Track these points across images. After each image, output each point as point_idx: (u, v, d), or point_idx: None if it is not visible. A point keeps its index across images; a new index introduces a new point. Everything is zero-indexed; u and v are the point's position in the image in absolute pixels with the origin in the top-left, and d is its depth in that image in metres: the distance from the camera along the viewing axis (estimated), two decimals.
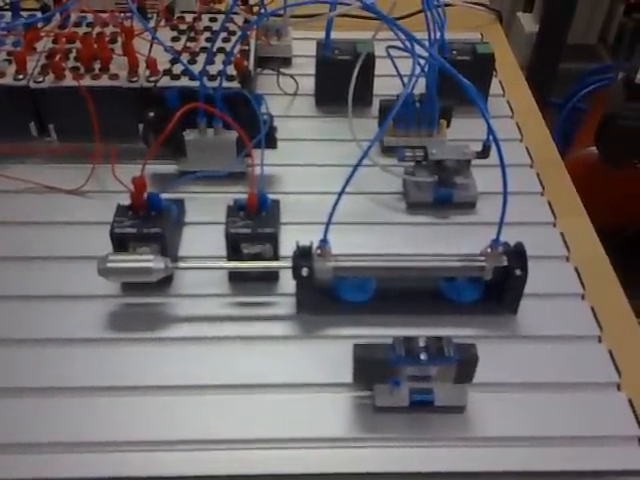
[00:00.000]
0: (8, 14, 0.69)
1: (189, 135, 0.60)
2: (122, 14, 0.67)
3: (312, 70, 0.71)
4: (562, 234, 0.59)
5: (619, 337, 0.51)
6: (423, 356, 0.43)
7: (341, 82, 0.60)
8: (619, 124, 1.04)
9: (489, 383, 0.47)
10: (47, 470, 0.43)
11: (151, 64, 0.62)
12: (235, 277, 0.54)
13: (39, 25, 0.67)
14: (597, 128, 1.06)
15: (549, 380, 0.48)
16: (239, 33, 0.67)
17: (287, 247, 0.52)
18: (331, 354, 0.49)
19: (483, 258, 0.50)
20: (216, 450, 0.44)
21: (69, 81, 0.61)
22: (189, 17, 0.70)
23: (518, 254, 0.50)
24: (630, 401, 0.47)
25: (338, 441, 0.45)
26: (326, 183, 0.55)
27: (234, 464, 0.44)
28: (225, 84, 0.59)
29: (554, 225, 0.60)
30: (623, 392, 0.48)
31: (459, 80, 0.46)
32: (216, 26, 0.69)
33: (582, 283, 0.55)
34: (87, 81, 0.61)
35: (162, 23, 0.69)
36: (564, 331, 0.51)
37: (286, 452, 0.44)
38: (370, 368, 0.45)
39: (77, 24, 0.68)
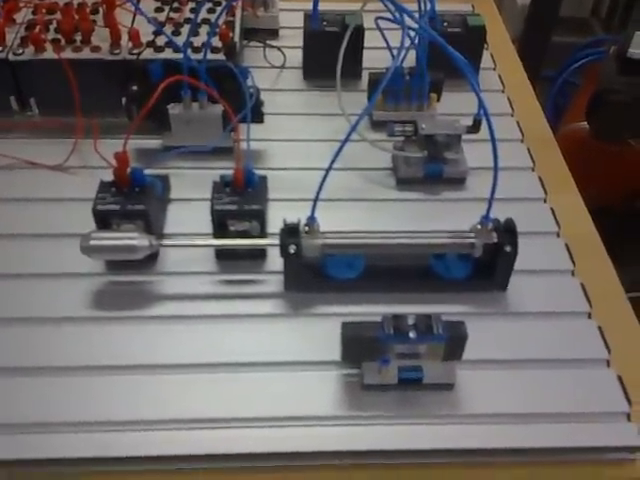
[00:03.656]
0: None
1: (173, 109, 0.58)
2: None
3: (300, 42, 0.69)
4: (552, 210, 0.59)
5: (609, 313, 0.51)
6: (412, 334, 0.43)
7: (329, 54, 0.59)
8: (611, 98, 1.03)
9: (478, 360, 0.47)
10: (35, 451, 0.42)
11: (134, 36, 0.61)
12: (222, 255, 0.53)
13: None
14: (588, 102, 1.05)
15: (538, 357, 0.48)
16: (224, 3, 0.66)
17: (275, 224, 0.51)
18: (319, 332, 0.48)
19: (473, 235, 0.50)
20: (204, 429, 0.44)
21: (50, 53, 0.59)
22: None
23: (508, 230, 0.49)
24: (619, 377, 0.47)
25: (326, 419, 0.45)
26: (314, 158, 0.54)
27: (221, 443, 0.43)
28: (210, 56, 0.58)
29: (545, 201, 0.60)
30: (612, 368, 0.48)
31: (450, 53, 0.45)
32: None
33: (572, 259, 0.54)
34: (68, 53, 0.60)
35: None
36: (554, 307, 0.51)
37: (274, 430, 0.44)
38: (358, 346, 0.44)
39: None
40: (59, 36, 0.61)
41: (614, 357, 0.48)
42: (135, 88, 0.57)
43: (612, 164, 1.11)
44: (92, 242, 0.48)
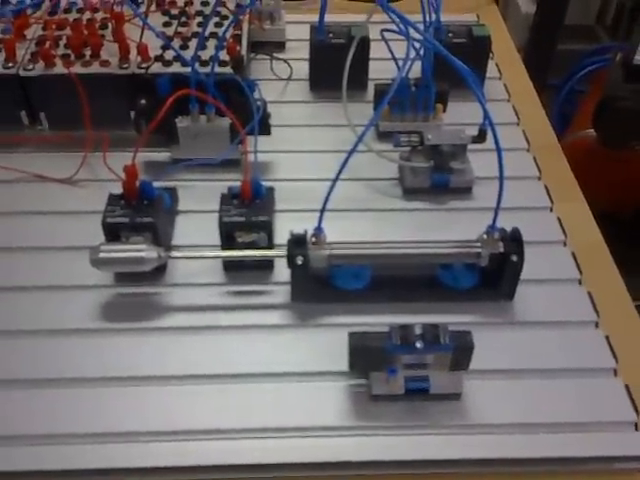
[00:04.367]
0: None
1: (181, 122, 0.59)
2: None
3: (306, 54, 0.70)
4: (559, 219, 0.59)
5: (616, 323, 0.51)
6: (419, 344, 0.43)
7: (335, 66, 0.59)
8: (617, 106, 1.03)
9: (485, 370, 0.47)
10: (43, 462, 0.43)
11: (142, 50, 0.61)
12: (229, 266, 0.53)
13: (28, 12, 0.66)
14: (595, 110, 1.05)
15: (545, 366, 0.48)
16: (231, 17, 0.67)
17: (282, 235, 0.51)
18: (326, 342, 0.48)
19: (479, 244, 0.50)
20: (211, 440, 0.44)
21: (59, 68, 0.60)
22: (181, 1, 0.69)
23: (514, 240, 0.49)
24: (627, 387, 0.47)
25: (333, 430, 0.45)
26: (321, 169, 0.54)
27: (229, 454, 0.43)
28: (217, 70, 0.58)
29: (551, 210, 0.60)
30: (620, 378, 0.48)
31: (454, 64, 0.46)
32: (208, 10, 0.68)
33: (579, 268, 0.54)
34: (78, 68, 0.60)
35: (153, 8, 0.68)
36: (561, 317, 0.51)
37: (281, 441, 0.44)
38: (366, 356, 0.45)
39: (67, 10, 0.67)
40: (69, 51, 0.62)
41: (621, 366, 0.48)
42: (144, 102, 0.58)
43: (619, 171, 1.11)
44: (101, 254, 0.48)
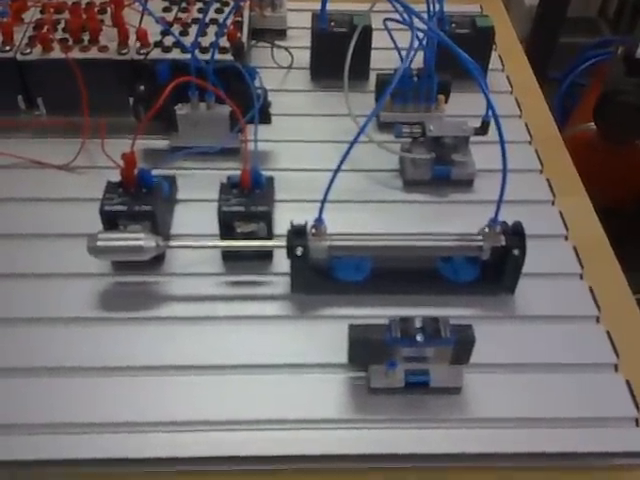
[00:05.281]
0: None
1: (181, 109, 0.58)
2: None
3: (307, 43, 0.69)
4: (561, 213, 0.58)
5: (617, 317, 0.51)
6: (419, 337, 0.43)
7: (337, 55, 0.58)
8: (618, 100, 1.03)
9: (486, 364, 0.47)
10: (39, 452, 0.42)
11: (141, 36, 0.60)
12: (228, 256, 0.53)
13: None
14: (596, 103, 1.05)
15: (546, 361, 0.48)
16: (232, 4, 0.66)
17: (282, 225, 0.51)
18: (326, 334, 0.48)
19: (481, 237, 0.49)
20: (209, 431, 0.44)
21: (57, 53, 0.59)
22: None
23: (516, 233, 0.49)
24: (628, 382, 0.47)
25: (332, 422, 0.45)
26: (321, 160, 0.54)
27: (227, 445, 0.43)
28: (218, 57, 0.58)
29: (553, 203, 0.59)
30: (621, 373, 0.47)
31: (458, 54, 0.45)
32: None
33: (580, 263, 0.54)
34: (76, 53, 0.60)
35: None
36: (562, 311, 0.51)
37: (280, 433, 0.44)
38: (365, 349, 0.44)
39: None
40: (67, 36, 0.61)
41: (622, 362, 0.48)
42: (143, 88, 0.57)
43: (620, 165, 1.11)
44: (99, 243, 0.48)
